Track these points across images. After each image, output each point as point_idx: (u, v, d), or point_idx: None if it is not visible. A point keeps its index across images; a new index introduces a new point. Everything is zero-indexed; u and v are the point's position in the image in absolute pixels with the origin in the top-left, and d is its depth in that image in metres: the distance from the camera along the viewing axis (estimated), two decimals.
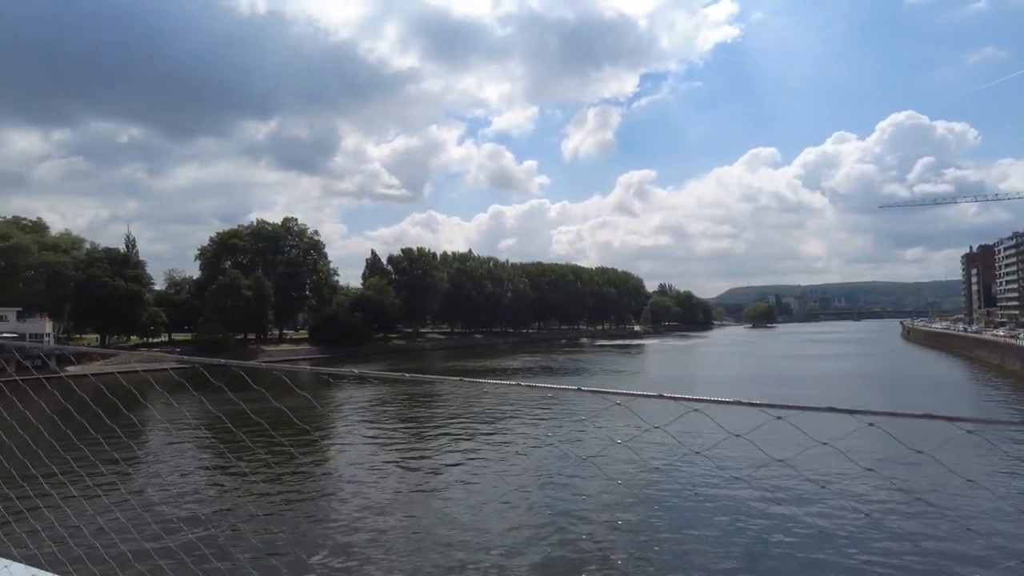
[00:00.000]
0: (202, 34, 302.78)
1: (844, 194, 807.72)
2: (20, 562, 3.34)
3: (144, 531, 13.19)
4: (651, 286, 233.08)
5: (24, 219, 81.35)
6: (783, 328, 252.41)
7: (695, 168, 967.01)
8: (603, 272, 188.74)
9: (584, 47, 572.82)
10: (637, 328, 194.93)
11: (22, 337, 65.76)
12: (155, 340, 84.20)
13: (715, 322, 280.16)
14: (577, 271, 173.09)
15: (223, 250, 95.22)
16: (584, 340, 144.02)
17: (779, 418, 2.12)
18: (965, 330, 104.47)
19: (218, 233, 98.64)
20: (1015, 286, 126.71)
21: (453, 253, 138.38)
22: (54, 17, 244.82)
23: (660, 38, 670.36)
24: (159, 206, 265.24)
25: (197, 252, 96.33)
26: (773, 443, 2.56)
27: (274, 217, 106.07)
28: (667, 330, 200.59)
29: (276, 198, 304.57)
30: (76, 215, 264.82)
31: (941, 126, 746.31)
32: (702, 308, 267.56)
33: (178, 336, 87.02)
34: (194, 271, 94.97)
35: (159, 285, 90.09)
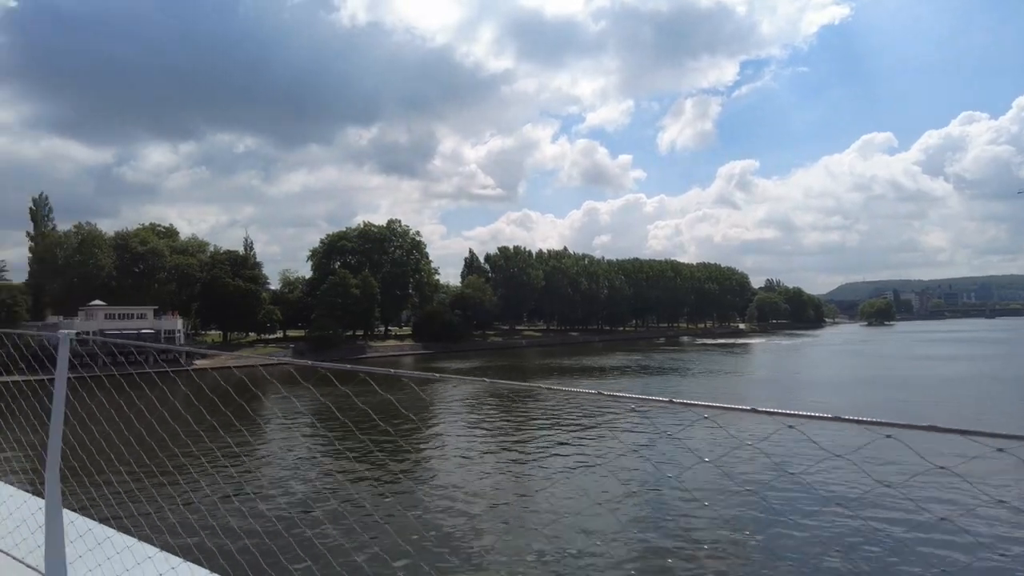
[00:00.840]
0: (307, 48, 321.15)
1: (973, 180, 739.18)
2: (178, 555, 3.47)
3: (260, 520, 13.83)
4: (757, 282, 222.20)
5: (159, 225, 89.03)
6: (903, 326, 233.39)
7: (802, 157, 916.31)
8: (705, 267, 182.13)
9: (680, 37, 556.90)
10: (742, 326, 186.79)
11: (158, 333, 72.19)
12: (271, 336, 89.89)
13: (827, 320, 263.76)
14: (676, 267, 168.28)
15: (333, 251, 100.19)
16: (684, 338, 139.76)
17: (889, 436, 1.79)
18: None
19: (328, 235, 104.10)
20: None
21: (548, 251, 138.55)
22: (180, 40, 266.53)
23: (761, 23, 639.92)
24: (272, 210, 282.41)
25: (309, 253, 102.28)
26: (886, 464, 2.12)
27: (378, 219, 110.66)
28: (774, 328, 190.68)
29: (379, 201, 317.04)
30: (200, 220, 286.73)
31: None
32: (812, 305, 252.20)
33: (292, 332, 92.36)
34: (306, 271, 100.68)
35: (274, 285, 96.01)
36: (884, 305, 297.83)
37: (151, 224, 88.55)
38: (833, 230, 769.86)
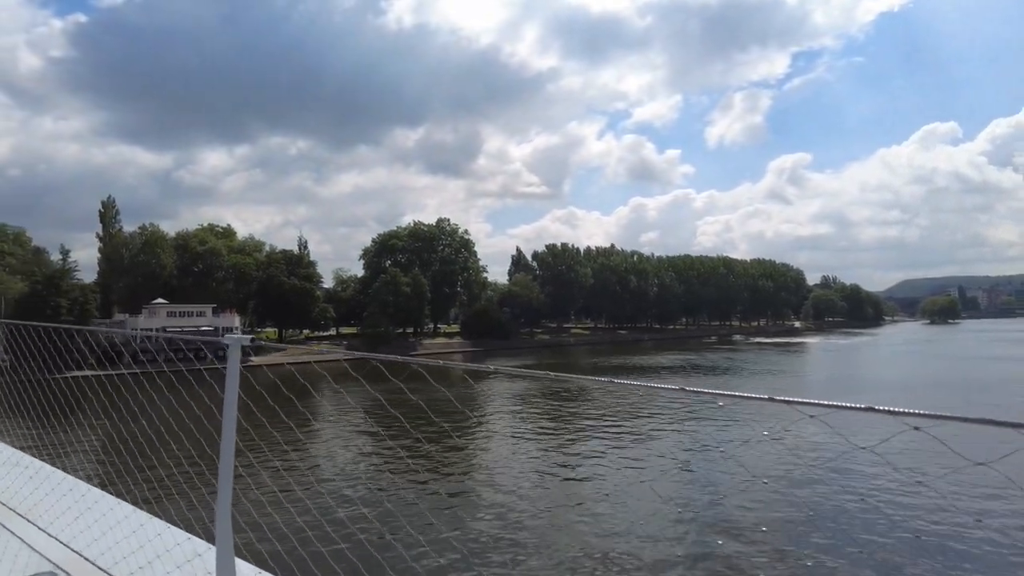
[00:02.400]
0: (356, 52, 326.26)
1: None
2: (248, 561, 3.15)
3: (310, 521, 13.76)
4: (812, 278, 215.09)
5: (217, 226, 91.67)
6: (969, 325, 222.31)
7: (857, 150, 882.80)
8: (758, 264, 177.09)
9: (728, 30, 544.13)
10: (797, 324, 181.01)
11: (216, 330, 74.37)
12: (324, 333, 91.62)
13: (886, 318, 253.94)
14: (729, 263, 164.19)
15: (384, 250, 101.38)
16: (738, 337, 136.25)
17: None
18: None
19: (379, 234, 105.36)
20: None
21: (596, 248, 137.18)
22: (237, 49, 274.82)
23: (813, 13, 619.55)
24: (324, 211, 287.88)
25: (360, 252, 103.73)
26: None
27: (426, 219, 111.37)
28: (831, 327, 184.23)
29: (427, 201, 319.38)
30: (255, 221, 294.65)
31: None
32: (871, 302, 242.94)
33: (345, 330, 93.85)
34: (358, 270, 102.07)
35: (327, 283, 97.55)
36: (948, 302, 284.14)
37: (209, 225, 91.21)
38: (891, 225, 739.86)
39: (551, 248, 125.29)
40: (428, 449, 22.32)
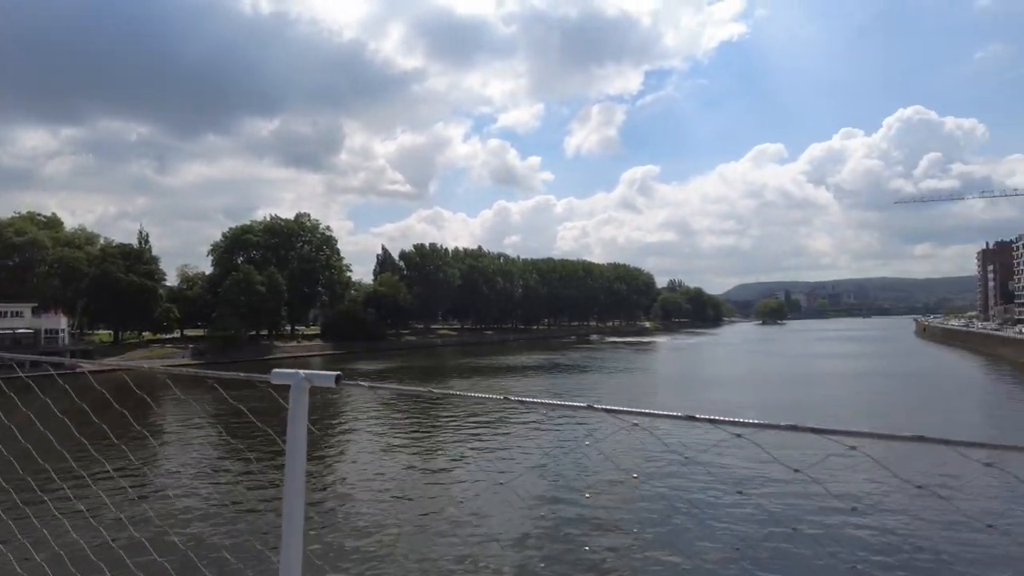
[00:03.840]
0: (207, 35, 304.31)
1: (850, 190, 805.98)
2: None
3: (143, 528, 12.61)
4: (660, 282, 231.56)
5: (39, 215, 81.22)
6: (794, 324, 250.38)
7: (700, 165, 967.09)
8: (615, 268, 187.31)
9: (587, 44, 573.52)
10: (647, 324, 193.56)
11: (37, 333, 65.80)
12: (168, 336, 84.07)
13: (725, 318, 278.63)
14: (588, 267, 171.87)
15: (236, 245, 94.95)
16: (594, 337, 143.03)
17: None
18: (984, 328, 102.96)
19: (231, 229, 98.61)
20: None
21: (464, 249, 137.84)
22: (60, 17, 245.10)
23: (665, 36, 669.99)
24: (167, 202, 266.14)
25: (210, 247, 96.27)
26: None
27: (282, 213, 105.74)
28: (677, 326, 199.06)
29: (283, 195, 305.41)
30: (85, 211, 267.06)
31: (950, 122, 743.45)
32: (712, 304, 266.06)
33: (191, 332, 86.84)
34: (206, 267, 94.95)
35: (171, 281, 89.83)
36: (777, 305, 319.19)
37: (29, 213, 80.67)
38: (728, 234, 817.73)
39: (419, 248, 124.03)
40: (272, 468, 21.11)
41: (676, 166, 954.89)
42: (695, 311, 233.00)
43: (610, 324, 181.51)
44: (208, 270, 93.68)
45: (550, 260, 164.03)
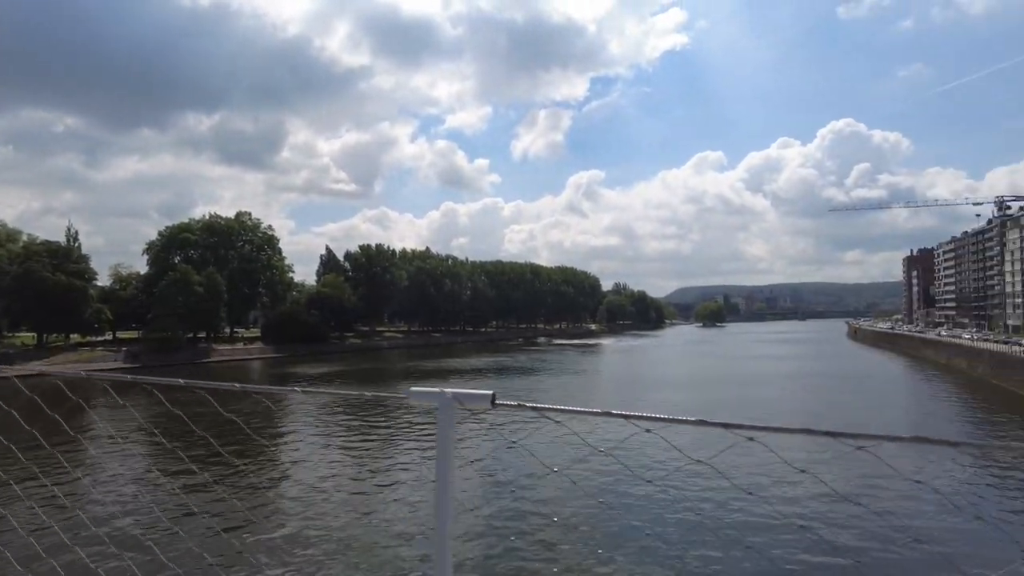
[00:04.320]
0: (141, 25, 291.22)
1: (786, 198, 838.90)
2: None
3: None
4: (606, 285, 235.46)
5: None
6: (733, 327, 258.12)
7: (643, 171, 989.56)
8: (562, 271, 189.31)
9: (533, 49, 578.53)
10: (593, 327, 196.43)
11: None
12: (99, 339, 79.99)
13: (667, 321, 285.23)
14: (536, 269, 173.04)
15: (173, 244, 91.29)
16: (542, 339, 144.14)
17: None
18: (909, 331, 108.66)
19: (168, 227, 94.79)
20: (952, 288, 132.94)
21: (412, 250, 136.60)
22: None
23: (610, 43, 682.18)
24: (97, 198, 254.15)
25: (145, 246, 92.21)
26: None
27: (221, 211, 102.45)
28: (622, 329, 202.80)
29: (222, 193, 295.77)
30: (6, 206, 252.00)
31: (878, 134, 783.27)
32: (655, 307, 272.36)
33: (124, 334, 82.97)
34: (141, 266, 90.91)
35: (103, 281, 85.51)
36: (716, 308, 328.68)
37: None
38: (670, 239, 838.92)
39: (365, 248, 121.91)
40: (214, 473, 20.46)
41: (621, 172, 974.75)
42: (639, 313, 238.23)
43: (557, 326, 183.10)
44: (143, 270, 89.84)
45: (498, 263, 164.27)
